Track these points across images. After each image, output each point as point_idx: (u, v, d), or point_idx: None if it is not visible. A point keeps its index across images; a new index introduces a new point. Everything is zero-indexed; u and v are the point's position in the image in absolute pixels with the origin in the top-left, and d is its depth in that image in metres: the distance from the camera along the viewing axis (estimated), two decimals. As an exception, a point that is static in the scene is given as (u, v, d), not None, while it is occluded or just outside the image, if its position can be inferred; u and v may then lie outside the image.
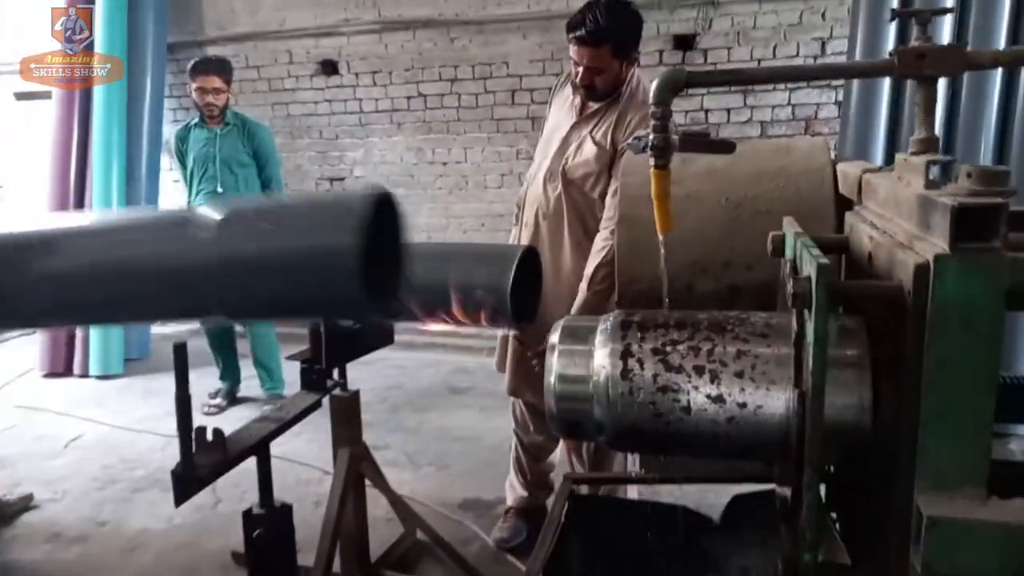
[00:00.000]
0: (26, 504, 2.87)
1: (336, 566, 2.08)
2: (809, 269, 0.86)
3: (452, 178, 4.81)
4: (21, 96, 5.58)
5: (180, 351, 1.44)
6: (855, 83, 3.43)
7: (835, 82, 3.89)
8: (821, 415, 0.82)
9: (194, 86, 3.66)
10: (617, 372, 1.00)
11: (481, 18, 4.48)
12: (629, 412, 1.00)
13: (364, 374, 3.86)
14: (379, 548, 2.37)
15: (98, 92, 4.42)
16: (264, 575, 1.75)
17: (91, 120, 4.48)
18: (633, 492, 2.12)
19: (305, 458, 3.08)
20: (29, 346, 4.79)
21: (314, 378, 1.93)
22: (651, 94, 1.09)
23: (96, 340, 4.40)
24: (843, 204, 1.30)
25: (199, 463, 1.49)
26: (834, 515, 1.14)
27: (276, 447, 1.85)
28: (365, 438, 2.19)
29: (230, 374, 3.96)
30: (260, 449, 1.72)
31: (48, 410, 3.91)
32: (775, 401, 0.93)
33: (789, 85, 3.99)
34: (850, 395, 0.89)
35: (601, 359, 1.02)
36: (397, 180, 4.92)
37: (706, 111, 4.19)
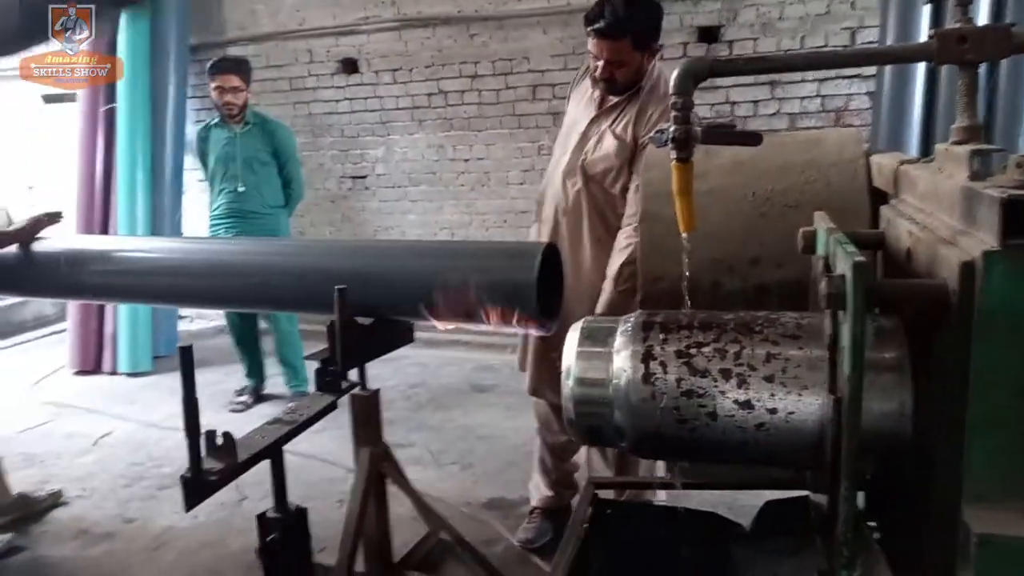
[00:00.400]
0: (56, 500, 2.91)
1: (359, 566, 2.06)
2: (844, 267, 0.81)
3: (474, 175, 4.78)
4: (49, 99, 5.69)
5: (186, 354, 1.41)
6: (887, 72, 3.32)
7: (866, 72, 3.77)
8: (858, 423, 0.77)
9: (213, 85, 3.69)
10: (639, 376, 0.96)
11: (501, 14, 4.44)
12: (651, 418, 0.96)
13: (386, 372, 3.87)
14: (403, 548, 2.34)
15: (122, 93, 4.48)
16: (279, 579, 1.74)
17: (115, 121, 4.54)
18: (660, 495, 2.07)
19: (328, 455, 3.07)
20: (59, 344, 4.88)
21: (328, 379, 1.89)
22: (671, 84, 1.04)
23: (125, 338, 4.46)
24: (877, 198, 1.24)
25: (209, 468, 1.47)
26: (872, 523, 1.09)
27: (298, 444, 1.83)
28: (388, 436, 2.17)
29: (255, 372, 3.99)
30: (272, 453, 1.69)
31: (78, 407, 3.97)
32: (808, 407, 0.88)
33: (818, 76, 3.88)
34: (889, 401, 0.84)
35: (621, 362, 0.98)
36: (419, 177, 4.92)
37: (732, 104, 4.10)
